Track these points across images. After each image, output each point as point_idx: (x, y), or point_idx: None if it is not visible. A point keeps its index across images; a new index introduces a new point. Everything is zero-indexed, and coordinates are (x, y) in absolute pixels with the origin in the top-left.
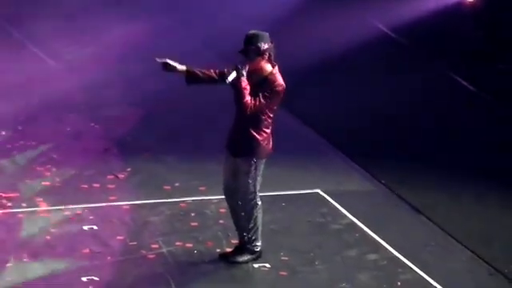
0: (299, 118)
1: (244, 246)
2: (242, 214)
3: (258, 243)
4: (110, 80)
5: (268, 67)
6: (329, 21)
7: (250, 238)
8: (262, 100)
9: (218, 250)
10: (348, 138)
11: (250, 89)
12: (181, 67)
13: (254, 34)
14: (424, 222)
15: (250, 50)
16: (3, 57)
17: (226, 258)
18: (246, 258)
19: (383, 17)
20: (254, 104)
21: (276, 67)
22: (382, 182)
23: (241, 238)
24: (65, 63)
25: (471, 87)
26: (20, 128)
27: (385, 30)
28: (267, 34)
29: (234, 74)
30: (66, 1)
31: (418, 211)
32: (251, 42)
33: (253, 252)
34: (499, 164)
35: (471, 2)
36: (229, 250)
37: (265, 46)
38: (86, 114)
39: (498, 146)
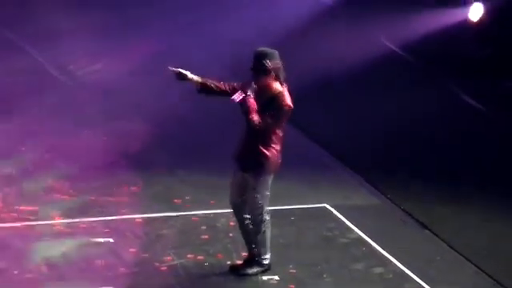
0: (306, 134)
1: (253, 259)
2: (251, 227)
3: (267, 256)
4: (123, 95)
5: (277, 86)
6: (337, 38)
7: (259, 252)
8: (268, 119)
9: (229, 263)
10: (355, 153)
11: (258, 107)
12: (192, 76)
13: (261, 52)
14: (430, 237)
15: (257, 67)
16: (18, 73)
17: (237, 271)
18: (255, 270)
19: (390, 34)
20: (260, 122)
21: (285, 86)
22: (389, 196)
23: (250, 250)
24: (78, 79)
25: (477, 104)
26: (36, 141)
27: (392, 47)
28: (276, 52)
29: (238, 94)
30: (82, 19)
31: (424, 226)
32: (259, 59)
33: (262, 265)
34: (504, 179)
35: (476, 21)
36: (239, 262)
37: (272, 64)
38: (100, 129)
39: (502, 162)
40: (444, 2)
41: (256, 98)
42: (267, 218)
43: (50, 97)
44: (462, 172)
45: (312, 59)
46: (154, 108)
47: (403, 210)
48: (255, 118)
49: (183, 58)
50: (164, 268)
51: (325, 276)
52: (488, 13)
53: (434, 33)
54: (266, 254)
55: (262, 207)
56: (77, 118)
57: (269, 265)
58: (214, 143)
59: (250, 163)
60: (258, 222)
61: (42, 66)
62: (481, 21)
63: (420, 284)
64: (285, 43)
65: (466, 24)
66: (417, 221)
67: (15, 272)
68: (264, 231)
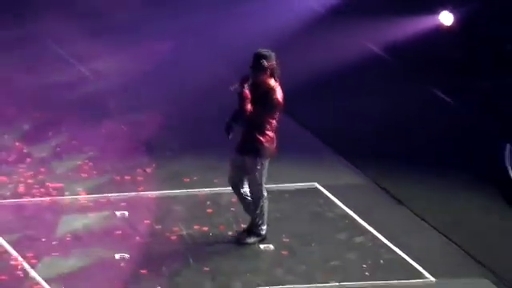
0: (300, 124)
1: (251, 230)
2: (251, 202)
3: (264, 227)
4: (138, 89)
5: (271, 82)
6: (326, 42)
7: (256, 223)
8: (259, 110)
9: (230, 233)
10: (342, 140)
11: (254, 99)
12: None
13: (260, 53)
14: (404, 211)
15: (255, 66)
16: (46, 68)
17: (238, 239)
18: (252, 239)
19: (374, 38)
20: (251, 111)
21: (278, 83)
22: (370, 176)
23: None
24: (101, 74)
25: (450, 99)
26: (64, 129)
27: (375, 49)
28: (273, 53)
29: (236, 86)
30: (102, 17)
31: (400, 202)
32: (257, 59)
33: (259, 235)
34: (467, 164)
35: (449, 26)
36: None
37: (268, 63)
38: (118, 118)
39: (468, 148)
40: (420, 11)
41: (252, 91)
42: (265, 193)
43: (77, 91)
44: (433, 157)
45: (306, 60)
46: (166, 101)
47: (382, 188)
48: (248, 106)
49: (189, 59)
50: (174, 237)
51: (313, 244)
52: (458, 20)
53: (412, 37)
54: (263, 225)
55: (260, 185)
56: (99, 109)
57: (265, 235)
58: (218, 132)
59: (249, 149)
60: (257, 197)
61: (69, 62)
62: (451, 27)
63: (394, 250)
64: (281, 47)
65: (439, 29)
66: (393, 197)
67: (43, 239)
68: (262, 205)
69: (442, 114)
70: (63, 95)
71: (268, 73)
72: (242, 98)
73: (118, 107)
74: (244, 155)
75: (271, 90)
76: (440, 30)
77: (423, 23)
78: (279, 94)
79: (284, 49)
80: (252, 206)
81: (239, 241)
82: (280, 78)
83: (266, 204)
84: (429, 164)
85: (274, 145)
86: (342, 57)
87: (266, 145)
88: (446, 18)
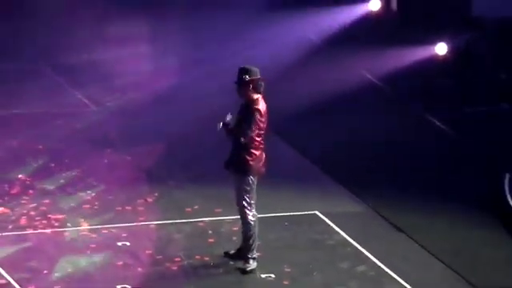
0: (299, 151)
1: (245, 256)
2: (242, 224)
3: (255, 250)
4: (139, 121)
5: (254, 95)
6: (323, 71)
7: (250, 246)
8: (247, 131)
9: (231, 263)
10: (340, 167)
11: (239, 115)
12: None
13: (243, 68)
14: (404, 239)
15: (240, 81)
16: (46, 98)
17: (230, 257)
18: (254, 265)
19: (369, 67)
20: (243, 137)
21: (260, 96)
22: (370, 205)
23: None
24: (102, 107)
25: (447, 128)
26: (66, 161)
27: (370, 78)
28: (257, 69)
29: (220, 125)
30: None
31: (400, 230)
32: (241, 74)
33: (254, 259)
34: (465, 192)
35: (443, 55)
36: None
37: (251, 77)
38: (120, 149)
39: (463, 177)
40: (415, 41)
41: (240, 110)
42: (255, 213)
43: (78, 121)
44: (431, 185)
45: (305, 89)
46: (167, 130)
47: (382, 216)
48: (238, 135)
49: (193, 90)
50: (175, 268)
51: (315, 273)
52: (451, 51)
53: (407, 66)
54: (255, 249)
55: (249, 203)
56: (103, 141)
57: (256, 258)
58: (220, 160)
59: (236, 167)
60: (244, 217)
61: (75, 97)
62: (445, 57)
63: (396, 279)
64: (280, 76)
65: (432, 59)
66: (393, 225)
67: (45, 271)
68: (253, 226)
69: (440, 142)
70: (65, 126)
71: (251, 87)
72: (227, 133)
73: (119, 137)
74: (231, 173)
75: (252, 101)
76: (435, 60)
77: (419, 54)
78: (261, 105)
79: (282, 78)
80: (243, 228)
81: (240, 271)
82: (264, 92)
83: (256, 224)
84: (428, 192)
85: (261, 163)
86: (339, 86)
87: (252, 163)
88: (442, 48)
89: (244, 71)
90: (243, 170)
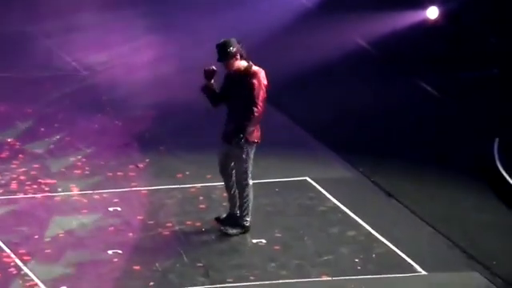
0: (290, 117)
1: (235, 221)
2: (236, 191)
3: (248, 218)
4: (131, 86)
5: (242, 63)
6: (315, 36)
7: (241, 214)
8: (257, 102)
9: (222, 228)
10: (331, 133)
11: (234, 87)
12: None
13: (222, 43)
14: (394, 205)
15: (225, 55)
16: (36, 63)
17: (221, 223)
18: (235, 231)
19: (361, 33)
20: (257, 110)
21: (250, 62)
22: (360, 170)
23: (231, 211)
24: (92, 72)
25: (435, 92)
26: (56, 126)
27: (363, 43)
28: (234, 38)
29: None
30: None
31: (389, 195)
32: (224, 48)
33: (242, 226)
34: (454, 157)
35: (434, 19)
36: (224, 215)
37: (234, 49)
38: (111, 114)
39: (454, 141)
40: (407, 5)
41: (231, 81)
42: (250, 183)
43: (68, 86)
44: (421, 150)
45: (296, 54)
46: (158, 97)
47: (372, 181)
48: (247, 108)
49: (180, 54)
50: (167, 233)
51: (306, 239)
52: (443, 14)
53: (399, 31)
54: (247, 216)
55: (246, 173)
56: (93, 105)
57: (248, 227)
58: (210, 127)
59: (234, 136)
60: (243, 185)
61: (65, 61)
62: (437, 21)
63: (386, 244)
64: (270, 40)
65: (424, 24)
66: (383, 190)
67: (36, 236)
68: (247, 195)
69: (431, 108)
70: (55, 90)
71: (238, 57)
72: (247, 128)
73: (111, 102)
74: (229, 143)
75: (246, 69)
76: (426, 25)
77: (410, 18)
78: (256, 68)
79: (274, 43)
80: (238, 195)
81: (222, 229)
82: (249, 58)
83: (251, 194)
84: (418, 158)
85: (259, 133)
86: (331, 51)
87: (257, 134)
88: (433, 12)
89: (225, 45)
90: (248, 142)
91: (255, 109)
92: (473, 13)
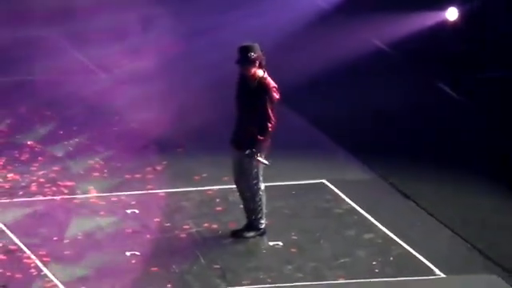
0: (307, 119)
1: (251, 224)
2: (248, 196)
3: (262, 221)
4: (149, 88)
5: (260, 72)
6: (331, 37)
7: (256, 217)
8: (269, 113)
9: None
10: (349, 135)
11: (248, 95)
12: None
13: (245, 46)
14: (412, 207)
15: (244, 60)
16: (56, 67)
17: (236, 234)
18: (252, 234)
19: (379, 34)
20: (271, 124)
21: (265, 72)
22: (378, 172)
23: (248, 217)
24: (112, 75)
25: (453, 94)
26: (75, 128)
27: (380, 45)
28: (257, 44)
29: (260, 158)
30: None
31: (407, 197)
32: (245, 52)
33: (258, 229)
34: (475, 157)
35: (453, 21)
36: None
37: (255, 55)
38: (129, 117)
39: (473, 144)
40: (426, 6)
41: (245, 86)
42: (262, 187)
43: (86, 88)
44: (438, 152)
45: (314, 56)
46: (175, 99)
47: (390, 183)
48: (269, 128)
49: (201, 57)
50: (183, 235)
51: (322, 241)
52: (462, 15)
53: (418, 32)
54: (261, 219)
55: (257, 178)
56: (111, 108)
57: (264, 229)
58: (227, 129)
59: (244, 143)
60: (253, 192)
61: (81, 63)
62: (456, 22)
63: (404, 246)
64: (287, 42)
65: (444, 24)
66: (401, 192)
67: (55, 238)
68: (259, 199)
69: (450, 109)
70: (73, 92)
71: (257, 64)
72: (263, 142)
73: (129, 105)
74: (240, 149)
75: (262, 79)
76: (446, 26)
77: (430, 19)
78: (271, 81)
79: (293, 45)
80: (250, 201)
81: (238, 234)
82: (267, 68)
83: (263, 198)
84: (437, 159)
85: (269, 140)
86: (348, 52)
87: (268, 143)
88: (452, 13)
89: (248, 49)
90: (252, 146)
91: (269, 124)
92: (495, 12)
